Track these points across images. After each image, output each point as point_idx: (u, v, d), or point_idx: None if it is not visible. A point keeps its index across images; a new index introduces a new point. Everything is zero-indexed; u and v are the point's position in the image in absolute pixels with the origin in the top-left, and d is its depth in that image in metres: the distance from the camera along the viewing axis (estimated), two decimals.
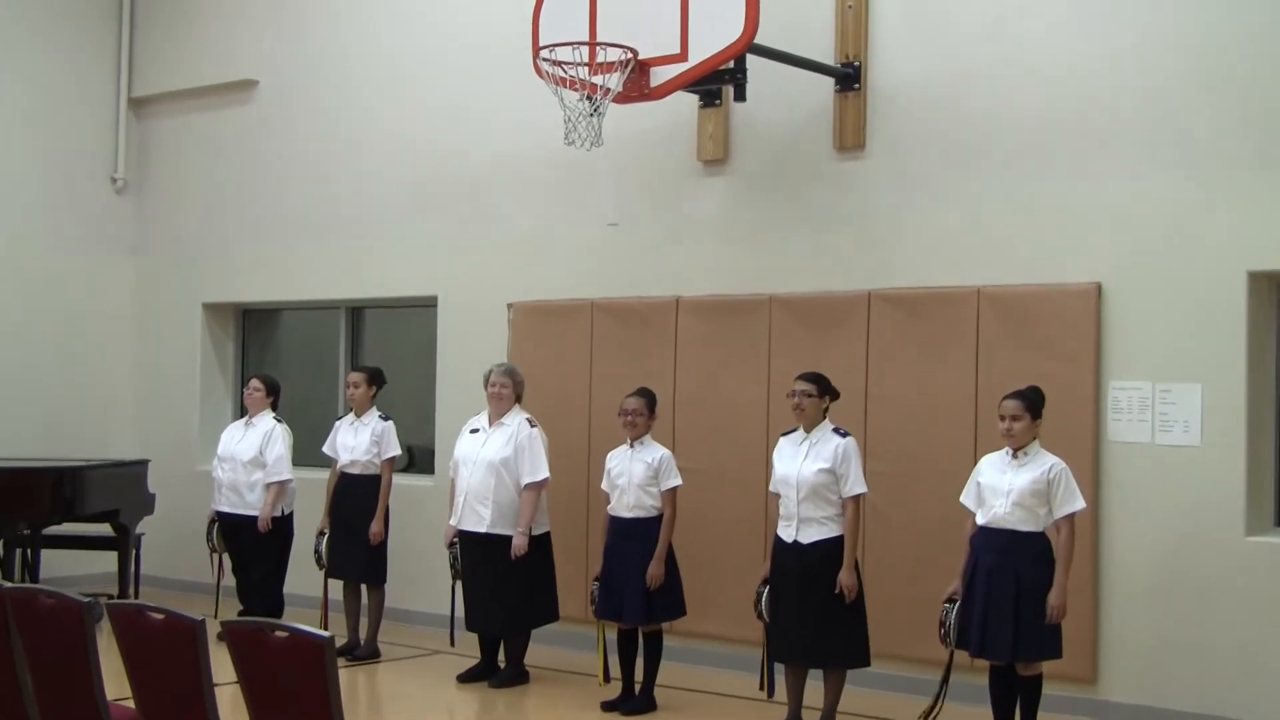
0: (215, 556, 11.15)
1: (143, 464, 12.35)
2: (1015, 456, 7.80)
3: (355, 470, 10.58)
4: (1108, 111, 8.92)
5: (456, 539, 9.84)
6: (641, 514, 9.05)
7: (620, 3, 9.27)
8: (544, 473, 9.68)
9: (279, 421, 11.08)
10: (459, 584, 9.92)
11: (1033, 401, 7.83)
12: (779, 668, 8.56)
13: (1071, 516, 7.71)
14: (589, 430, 10.65)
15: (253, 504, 10.85)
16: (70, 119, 13.84)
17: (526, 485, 9.64)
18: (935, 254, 9.49)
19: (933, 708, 8.07)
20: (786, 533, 8.35)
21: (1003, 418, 7.82)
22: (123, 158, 14.13)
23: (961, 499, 8.04)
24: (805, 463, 8.29)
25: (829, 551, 8.22)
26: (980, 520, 7.84)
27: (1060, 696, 8.56)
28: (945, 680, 8.01)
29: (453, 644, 10.06)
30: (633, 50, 9.04)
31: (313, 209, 12.84)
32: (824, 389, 8.42)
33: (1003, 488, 7.75)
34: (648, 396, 9.27)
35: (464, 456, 9.85)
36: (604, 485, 9.30)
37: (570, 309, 11.01)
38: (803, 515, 8.27)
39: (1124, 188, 8.84)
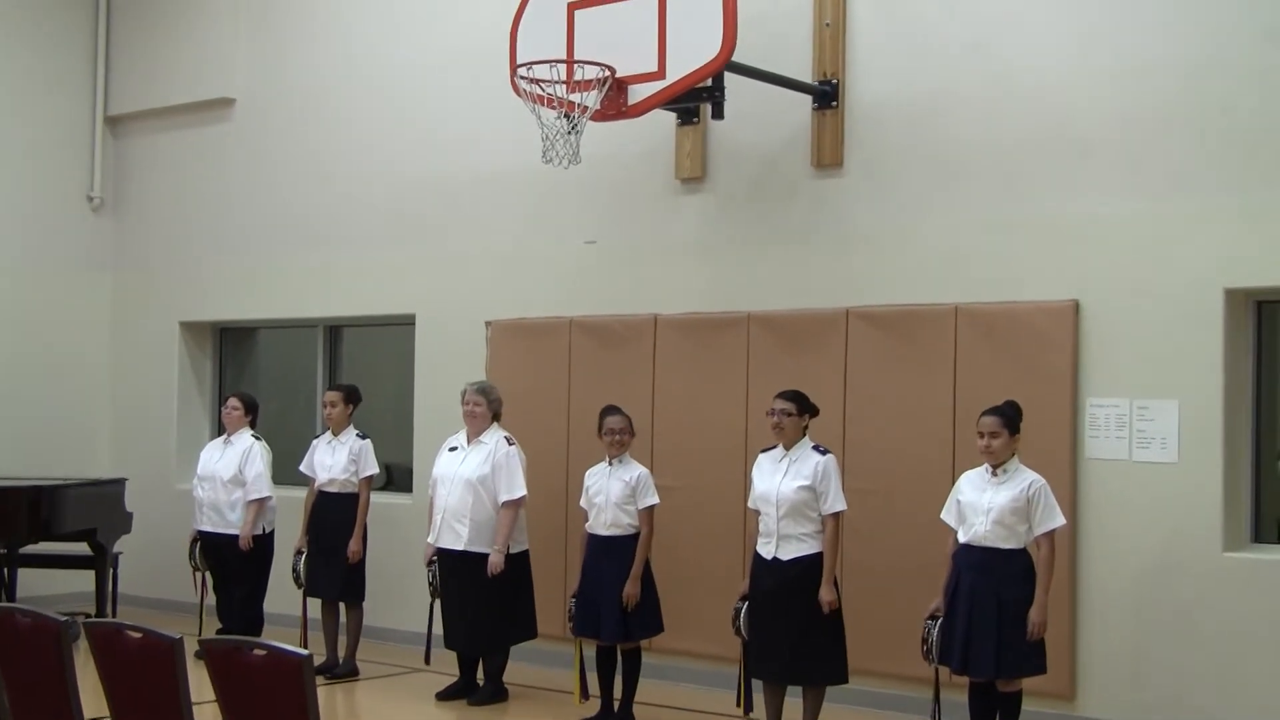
0: (198, 575, 11.12)
1: (120, 482, 12.31)
2: (995, 474, 7.81)
3: (333, 489, 10.55)
4: (1086, 130, 8.96)
5: (435, 557, 9.83)
6: (619, 532, 9.05)
7: (598, 21, 9.29)
8: (521, 491, 9.67)
9: (257, 439, 11.06)
10: (437, 602, 9.90)
11: (1010, 417, 7.85)
12: (757, 684, 8.57)
13: (1051, 533, 7.73)
14: (567, 448, 10.63)
15: (233, 523, 10.83)
16: (46, 137, 13.81)
17: (503, 503, 9.63)
18: (913, 272, 9.51)
19: None
20: (766, 550, 8.35)
21: (981, 434, 7.84)
22: (99, 176, 14.10)
23: (943, 516, 8.05)
24: (785, 480, 8.30)
25: (808, 568, 8.22)
26: (962, 538, 7.85)
27: (1039, 713, 8.57)
28: (937, 700, 7.99)
29: (428, 662, 10.03)
30: (610, 68, 9.06)
31: (290, 227, 12.83)
32: (803, 407, 8.43)
33: (982, 506, 7.76)
34: (627, 414, 9.27)
35: (442, 474, 9.85)
36: (582, 503, 9.30)
37: (548, 327, 11.01)
38: (782, 532, 8.27)
39: (1102, 206, 8.88)
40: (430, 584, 9.87)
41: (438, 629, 9.89)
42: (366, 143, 12.33)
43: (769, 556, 8.32)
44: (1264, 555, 8.48)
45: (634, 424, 9.32)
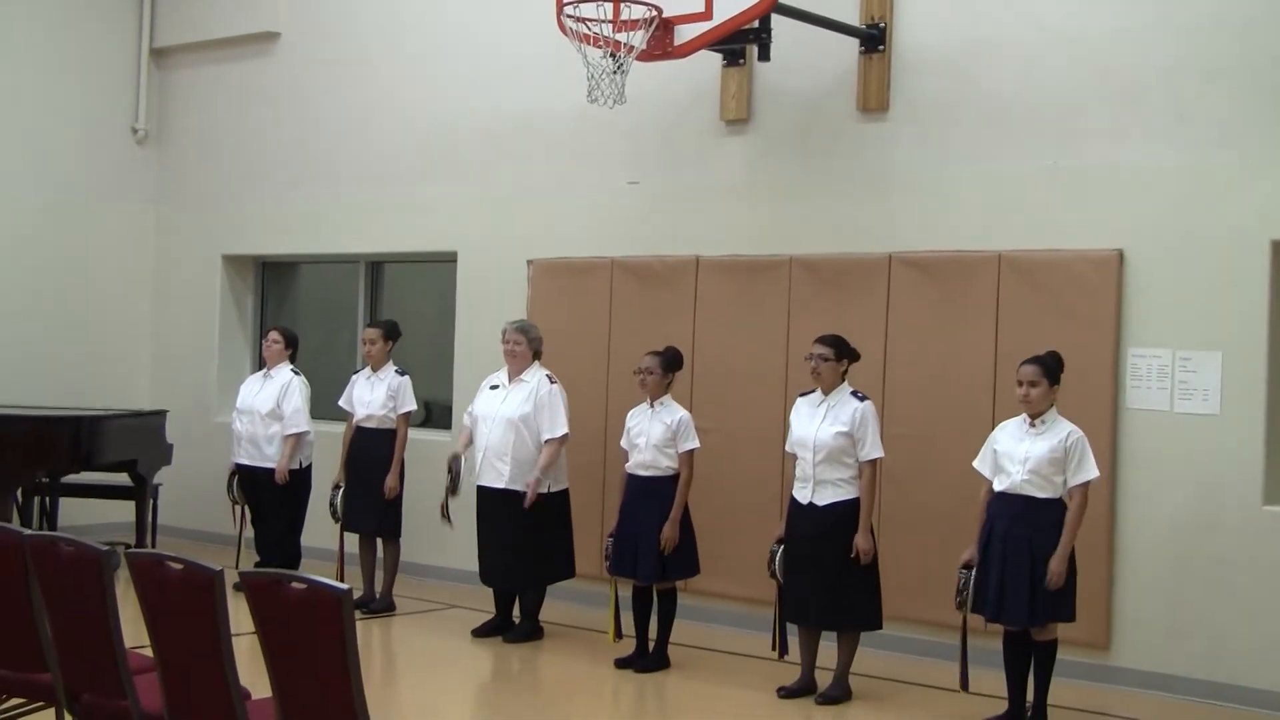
0: (236, 508, 11.19)
1: (161, 414, 12.38)
2: (1033, 424, 7.77)
3: (371, 425, 10.60)
4: (1132, 78, 8.87)
5: (457, 460, 9.89)
6: (657, 473, 9.04)
7: None
8: (564, 428, 9.69)
9: (297, 374, 11.09)
10: (451, 520, 10.02)
11: (1051, 367, 7.80)
12: (792, 628, 8.59)
13: (1085, 485, 7.68)
14: (606, 388, 10.65)
15: (271, 456, 10.88)
16: (92, 69, 13.83)
17: (546, 441, 9.65)
18: (957, 218, 9.46)
19: (964, 676, 8.02)
20: (802, 494, 8.35)
21: (1020, 383, 7.79)
22: (144, 108, 14.13)
23: (975, 465, 8.01)
24: (823, 425, 8.29)
25: (844, 514, 8.23)
26: (997, 487, 7.81)
27: (1074, 662, 8.57)
28: (965, 647, 7.98)
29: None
30: (657, 8, 9.00)
31: (333, 162, 12.83)
32: (842, 352, 8.40)
33: (1019, 455, 7.72)
34: (665, 355, 9.23)
35: (483, 413, 9.85)
36: (623, 443, 9.30)
37: (590, 267, 11.00)
38: (819, 477, 8.28)
39: (1147, 154, 8.80)
40: (448, 482, 9.97)
41: (470, 564, 9.94)
42: (410, 79, 12.31)
43: (805, 501, 8.33)
44: None
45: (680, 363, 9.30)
